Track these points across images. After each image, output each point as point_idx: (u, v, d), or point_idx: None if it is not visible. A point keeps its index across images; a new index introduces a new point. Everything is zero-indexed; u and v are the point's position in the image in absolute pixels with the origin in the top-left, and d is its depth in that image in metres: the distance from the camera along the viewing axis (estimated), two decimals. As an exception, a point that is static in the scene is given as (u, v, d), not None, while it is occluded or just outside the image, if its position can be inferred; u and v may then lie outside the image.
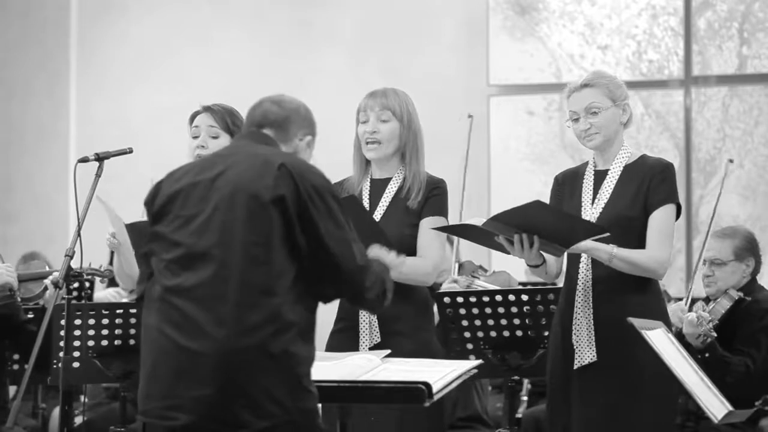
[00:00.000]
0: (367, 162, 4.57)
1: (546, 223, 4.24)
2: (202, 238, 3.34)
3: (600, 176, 4.53)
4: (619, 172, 4.50)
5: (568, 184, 4.61)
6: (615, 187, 4.48)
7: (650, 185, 4.44)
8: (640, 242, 4.41)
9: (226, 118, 4.67)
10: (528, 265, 4.44)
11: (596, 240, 4.35)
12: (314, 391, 3.37)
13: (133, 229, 4.43)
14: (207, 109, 4.69)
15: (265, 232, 3.30)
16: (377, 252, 3.71)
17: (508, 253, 4.38)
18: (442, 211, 4.47)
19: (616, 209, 4.44)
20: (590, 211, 4.46)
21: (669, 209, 4.45)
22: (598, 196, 4.50)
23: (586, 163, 4.62)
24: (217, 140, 4.64)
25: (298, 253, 3.34)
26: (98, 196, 4.54)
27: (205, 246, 3.33)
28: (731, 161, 5.79)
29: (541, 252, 4.36)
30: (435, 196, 4.48)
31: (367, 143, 4.50)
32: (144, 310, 3.47)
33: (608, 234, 4.29)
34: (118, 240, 4.57)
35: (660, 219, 4.42)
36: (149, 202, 3.53)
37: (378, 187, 4.53)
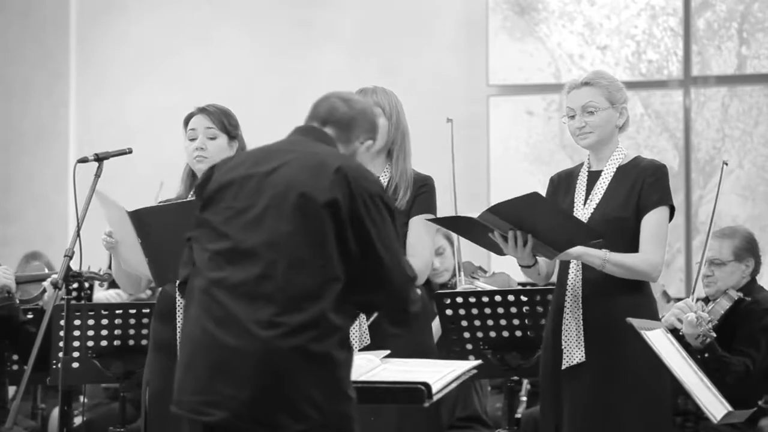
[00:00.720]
0: None
1: (542, 219, 4.23)
2: (252, 234, 3.30)
3: (593, 177, 4.53)
4: (613, 173, 4.49)
5: (563, 184, 4.60)
6: (608, 187, 4.47)
7: (643, 187, 4.43)
8: (632, 243, 4.40)
9: (222, 118, 4.66)
10: (520, 265, 4.43)
11: (589, 245, 4.34)
12: (353, 395, 3.34)
13: (136, 216, 4.42)
14: (202, 110, 4.67)
15: (316, 234, 3.26)
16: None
17: (500, 252, 4.37)
18: (431, 208, 4.46)
19: (608, 210, 4.43)
20: (582, 212, 4.46)
21: (662, 211, 4.43)
22: (590, 196, 4.49)
23: (581, 164, 4.61)
24: (215, 141, 4.63)
25: (348, 259, 3.30)
26: (100, 192, 4.53)
27: (254, 243, 3.28)
28: (726, 163, 5.78)
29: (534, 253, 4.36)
30: (423, 194, 4.46)
31: None
32: (186, 300, 3.43)
33: (601, 240, 4.28)
34: (115, 239, 4.56)
35: (653, 221, 4.41)
36: (201, 185, 3.48)
37: None
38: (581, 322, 4.39)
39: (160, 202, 4.84)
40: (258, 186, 3.34)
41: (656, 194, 4.42)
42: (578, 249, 4.33)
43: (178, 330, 4.47)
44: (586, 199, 4.49)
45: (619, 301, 4.38)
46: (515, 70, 9.38)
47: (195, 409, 3.31)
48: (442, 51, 9.52)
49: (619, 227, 4.41)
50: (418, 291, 3.55)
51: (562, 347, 4.41)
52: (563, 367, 4.41)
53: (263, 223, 3.30)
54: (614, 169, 4.50)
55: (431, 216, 4.45)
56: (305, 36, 9.72)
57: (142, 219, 4.41)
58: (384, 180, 4.49)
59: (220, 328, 3.27)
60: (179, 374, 3.37)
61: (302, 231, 3.27)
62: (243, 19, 9.85)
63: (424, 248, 4.38)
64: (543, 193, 4.63)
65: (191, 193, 4.67)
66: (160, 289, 4.68)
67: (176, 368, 3.39)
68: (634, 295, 4.41)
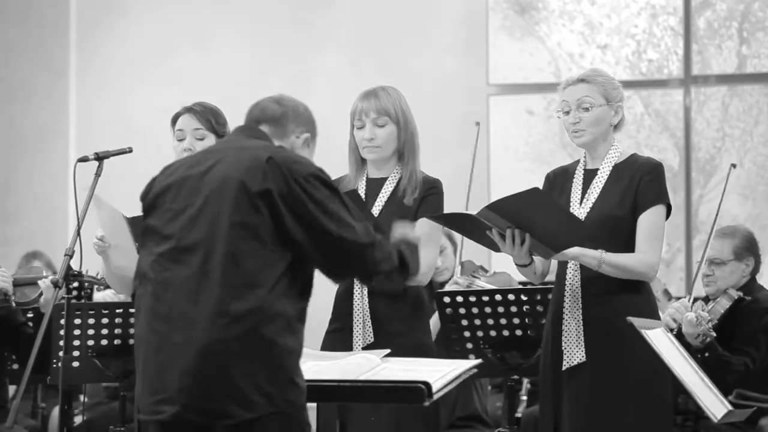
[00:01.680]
0: (363, 161, 4.56)
1: (540, 217, 4.22)
2: (191, 231, 3.36)
3: (589, 175, 4.52)
4: (609, 172, 4.48)
5: (558, 181, 4.60)
6: (604, 186, 4.46)
7: (639, 185, 4.42)
8: (628, 242, 4.40)
9: (209, 117, 4.66)
10: (516, 264, 4.43)
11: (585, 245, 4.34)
12: (302, 385, 3.37)
13: (135, 223, 4.42)
14: (189, 110, 4.68)
15: (252, 223, 3.32)
16: (402, 230, 3.69)
17: (498, 250, 4.36)
18: (438, 211, 4.46)
19: (604, 209, 4.42)
20: (578, 211, 4.45)
21: (659, 210, 4.43)
22: (586, 195, 4.48)
23: (577, 162, 4.60)
24: (202, 142, 4.63)
25: (291, 245, 3.34)
26: (97, 195, 4.53)
27: (194, 239, 3.35)
28: (734, 166, 5.78)
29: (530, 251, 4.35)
30: (431, 196, 4.47)
31: (365, 148, 4.49)
32: (135, 309, 3.48)
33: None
34: (107, 243, 4.56)
35: (649, 220, 4.40)
36: (144, 196, 3.57)
37: (374, 186, 4.51)
38: (581, 321, 4.39)
39: None
40: (195, 185, 3.41)
41: (653, 193, 4.41)
42: (574, 250, 4.33)
43: None
44: (582, 198, 4.49)
45: (619, 300, 4.37)
46: (515, 69, 9.37)
47: (151, 410, 3.36)
48: (442, 50, 9.51)
49: (615, 226, 4.40)
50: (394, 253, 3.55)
51: (562, 348, 4.41)
52: (564, 368, 4.40)
53: (201, 218, 3.36)
54: (610, 168, 4.49)
55: None
56: (305, 36, 9.71)
57: (139, 223, 4.40)
58: (394, 180, 4.48)
59: (167, 326, 3.32)
60: (138, 381, 3.42)
61: (238, 221, 3.32)
62: (243, 19, 9.84)
63: (428, 249, 4.37)
64: (540, 191, 4.62)
65: None
66: None
67: (136, 377, 3.43)
68: (634, 294, 4.41)
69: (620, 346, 4.30)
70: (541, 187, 4.54)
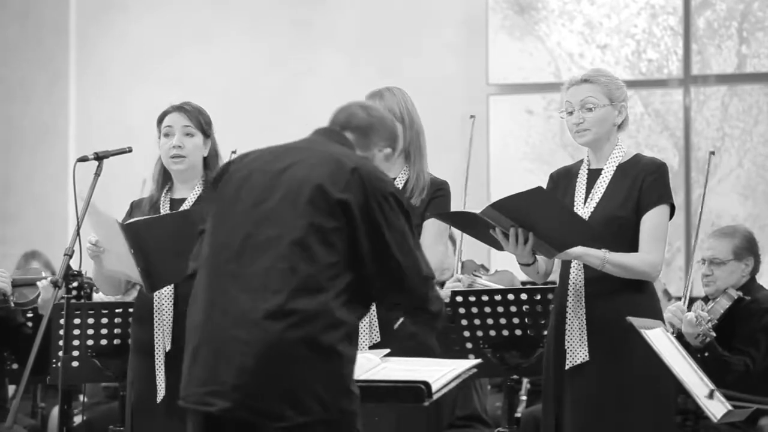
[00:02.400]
0: None
1: (544, 216, 4.23)
2: (264, 227, 3.32)
3: (593, 175, 4.52)
4: (613, 172, 4.48)
5: (562, 181, 4.60)
6: (608, 186, 4.46)
7: (643, 185, 4.42)
8: (632, 242, 4.40)
9: (198, 117, 4.67)
10: (519, 263, 4.43)
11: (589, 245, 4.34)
12: (357, 393, 3.35)
13: (129, 229, 4.41)
14: (179, 108, 4.69)
15: (327, 228, 3.29)
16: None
17: (501, 248, 4.37)
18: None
19: (608, 208, 4.42)
20: (582, 211, 4.45)
21: (662, 210, 4.43)
22: (590, 195, 4.48)
23: (581, 162, 4.60)
24: (192, 139, 4.64)
25: (359, 257, 3.32)
26: (93, 204, 4.52)
27: (265, 236, 3.31)
28: (713, 153, 5.79)
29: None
30: (439, 197, 4.47)
31: None
32: (193, 292, 3.42)
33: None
34: (102, 248, 4.56)
35: (653, 220, 4.40)
36: (216, 180, 3.51)
37: None
38: (584, 321, 4.39)
39: (132, 203, 4.81)
40: (273, 181, 3.37)
41: (656, 193, 4.41)
42: (577, 249, 4.33)
43: (156, 332, 4.50)
44: (586, 197, 4.49)
45: (622, 299, 4.38)
46: (515, 69, 9.38)
47: (199, 400, 3.31)
48: (441, 50, 9.52)
49: (619, 226, 4.40)
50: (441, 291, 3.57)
51: (565, 347, 4.41)
52: (567, 367, 4.41)
53: (276, 216, 3.32)
54: (614, 168, 4.49)
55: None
56: (305, 36, 9.71)
57: (135, 231, 4.40)
58: (401, 181, 4.49)
59: (226, 318, 3.28)
60: (186, 367, 3.37)
61: (314, 224, 3.29)
62: (243, 19, 9.85)
63: (436, 250, 4.38)
64: (543, 190, 4.62)
65: (164, 192, 4.68)
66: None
67: (183, 362, 3.39)
68: (637, 294, 4.41)
69: (623, 346, 4.29)
70: (544, 187, 4.54)
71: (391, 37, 9.58)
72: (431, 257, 4.32)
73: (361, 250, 3.32)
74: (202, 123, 4.66)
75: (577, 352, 4.39)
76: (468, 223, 4.42)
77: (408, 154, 4.51)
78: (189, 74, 9.68)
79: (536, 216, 4.22)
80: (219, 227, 3.41)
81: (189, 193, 4.66)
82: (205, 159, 4.68)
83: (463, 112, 8.19)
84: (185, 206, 4.61)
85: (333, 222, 3.29)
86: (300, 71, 9.44)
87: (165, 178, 4.71)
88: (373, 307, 4.38)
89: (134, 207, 4.76)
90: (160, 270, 4.41)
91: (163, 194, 4.68)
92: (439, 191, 4.48)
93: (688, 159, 9.04)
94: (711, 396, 4.09)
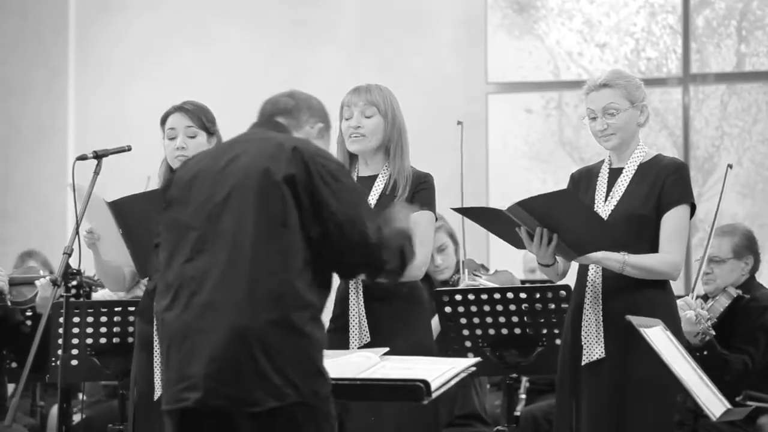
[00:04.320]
0: (352, 158, 4.55)
1: (569, 218, 4.24)
2: (218, 220, 3.36)
3: (614, 174, 4.53)
4: (634, 171, 4.49)
5: (583, 181, 4.61)
6: (629, 185, 4.48)
7: (664, 185, 4.43)
8: (653, 241, 4.42)
9: (200, 116, 4.67)
10: (539, 263, 4.44)
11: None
12: (328, 376, 3.36)
13: (114, 207, 4.43)
14: (180, 108, 4.69)
15: (277, 210, 3.33)
16: (396, 213, 3.66)
17: (522, 247, 4.38)
18: (430, 204, 4.47)
19: (629, 207, 4.43)
20: (603, 209, 4.46)
21: (683, 209, 4.44)
22: (611, 193, 4.49)
23: (602, 161, 4.61)
24: (195, 140, 4.64)
25: (312, 235, 3.35)
26: (79, 185, 4.53)
27: (220, 229, 3.35)
28: (730, 166, 5.78)
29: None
30: (422, 190, 4.47)
31: (351, 136, 4.49)
32: (156, 302, 3.46)
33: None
34: (97, 234, 4.57)
35: (673, 220, 4.42)
36: (164, 190, 3.57)
37: (365, 184, 4.50)
38: (601, 318, 4.40)
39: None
40: (219, 176, 3.42)
41: (677, 192, 4.43)
42: (597, 254, 4.35)
43: (155, 327, 4.51)
44: (607, 196, 4.50)
45: (639, 297, 4.39)
46: (514, 67, 9.38)
47: (175, 398, 3.34)
48: (441, 49, 9.52)
49: (639, 224, 4.42)
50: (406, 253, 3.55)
51: (582, 343, 4.42)
52: (583, 363, 4.42)
53: (227, 208, 3.36)
54: (635, 167, 4.50)
55: (429, 212, 4.45)
56: (304, 35, 9.72)
57: (120, 209, 4.43)
58: (384, 177, 4.49)
59: (194, 314, 3.31)
60: (162, 372, 3.42)
61: (264, 209, 3.33)
62: (242, 18, 9.85)
63: (423, 243, 4.36)
64: (545, 190, 4.63)
65: None
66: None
67: (157, 368, 3.42)
68: (654, 291, 4.42)
69: (640, 343, 4.29)
70: (544, 187, 4.55)
71: (391, 36, 9.58)
72: (418, 251, 4.27)
73: (310, 224, 3.34)
74: (204, 122, 4.66)
75: (594, 348, 4.40)
76: (489, 219, 4.43)
77: (388, 150, 4.50)
78: (188, 73, 9.68)
79: (561, 218, 4.24)
80: (173, 229, 3.45)
81: None
82: None
83: (462, 110, 8.20)
84: None
85: (281, 202, 3.33)
86: (299, 70, 9.43)
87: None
88: (362, 308, 4.39)
89: None
90: (148, 251, 4.42)
91: None
92: (422, 184, 4.48)
93: (687, 158, 9.04)
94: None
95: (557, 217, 4.24)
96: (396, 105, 4.52)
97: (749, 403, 4.27)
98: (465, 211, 4.43)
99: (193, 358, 3.29)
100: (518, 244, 4.39)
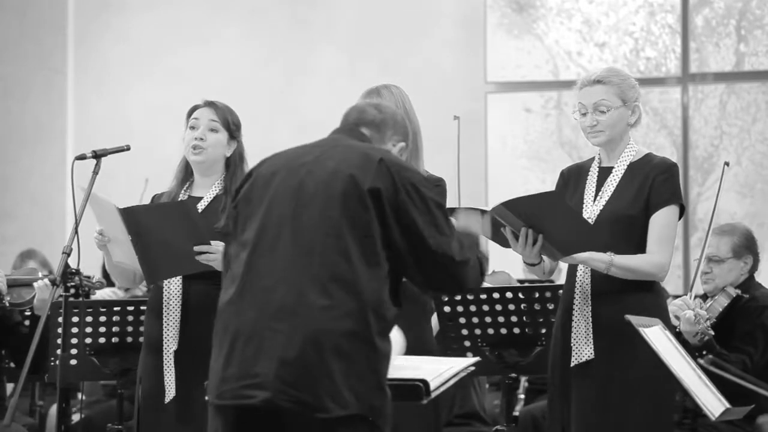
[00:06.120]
0: None
1: (555, 220, 4.23)
2: (299, 220, 3.32)
3: (604, 173, 4.51)
4: (623, 170, 4.48)
5: (572, 179, 4.59)
6: (618, 184, 4.46)
7: (653, 184, 4.41)
8: (640, 241, 4.40)
9: (227, 116, 4.67)
10: (525, 262, 4.43)
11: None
12: (388, 393, 3.35)
13: (126, 213, 4.43)
14: (209, 104, 4.70)
15: (361, 219, 3.31)
16: (465, 223, 3.71)
17: (508, 246, 4.37)
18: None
19: (618, 207, 4.42)
20: (592, 209, 4.45)
21: (671, 210, 4.42)
22: (600, 192, 4.48)
23: (592, 159, 4.59)
24: (215, 134, 4.63)
25: (393, 247, 3.34)
26: (94, 193, 4.52)
27: (300, 227, 3.32)
28: (727, 164, 5.77)
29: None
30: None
31: None
32: (223, 290, 3.41)
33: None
34: (107, 237, 4.57)
35: (661, 220, 4.40)
36: (240, 186, 3.51)
37: None
38: (590, 319, 4.39)
39: (154, 196, 4.83)
40: (302, 176, 3.38)
41: (666, 193, 4.41)
42: (583, 254, 4.33)
43: (164, 330, 4.49)
44: (596, 195, 4.49)
45: (629, 298, 4.37)
46: (513, 67, 9.39)
47: (237, 394, 3.29)
48: (440, 48, 9.52)
49: (627, 224, 4.40)
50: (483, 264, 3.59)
51: (571, 344, 4.42)
52: (572, 365, 4.41)
53: (309, 208, 3.33)
54: (625, 166, 4.48)
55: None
56: (303, 34, 9.72)
57: (132, 217, 4.42)
58: None
59: (266, 314, 3.28)
60: (218, 367, 3.34)
61: (349, 216, 3.30)
62: (241, 17, 9.85)
63: None
64: (544, 189, 4.63)
65: (185, 188, 4.68)
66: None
67: (213, 359, 3.37)
68: (644, 293, 4.41)
69: (629, 344, 4.29)
70: (543, 185, 4.54)
71: (390, 35, 9.58)
72: None
73: (394, 238, 3.33)
74: (229, 121, 4.66)
75: (583, 349, 4.39)
76: (476, 220, 4.42)
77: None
78: (188, 72, 9.68)
79: (546, 219, 4.23)
80: (248, 223, 3.40)
81: (207, 191, 4.65)
82: (227, 160, 4.67)
83: (462, 110, 8.19)
84: (202, 204, 4.60)
85: (366, 213, 3.30)
86: (298, 69, 9.44)
87: (186, 175, 4.71)
88: None
89: (155, 200, 4.76)
90: (158, 261, 4.42)
91: (183, 190, 4.68)
92: (435, 188, 4.47)
93: (686, 157, 9.04)
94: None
95: (542, 218, 4.23)
96: (409, 106, 4.50)
97: (711, 368, 4.23)
98: (450, 212, 4.43)
99: (260, 356, 3.25)
100: (506, 244, 4.38)
